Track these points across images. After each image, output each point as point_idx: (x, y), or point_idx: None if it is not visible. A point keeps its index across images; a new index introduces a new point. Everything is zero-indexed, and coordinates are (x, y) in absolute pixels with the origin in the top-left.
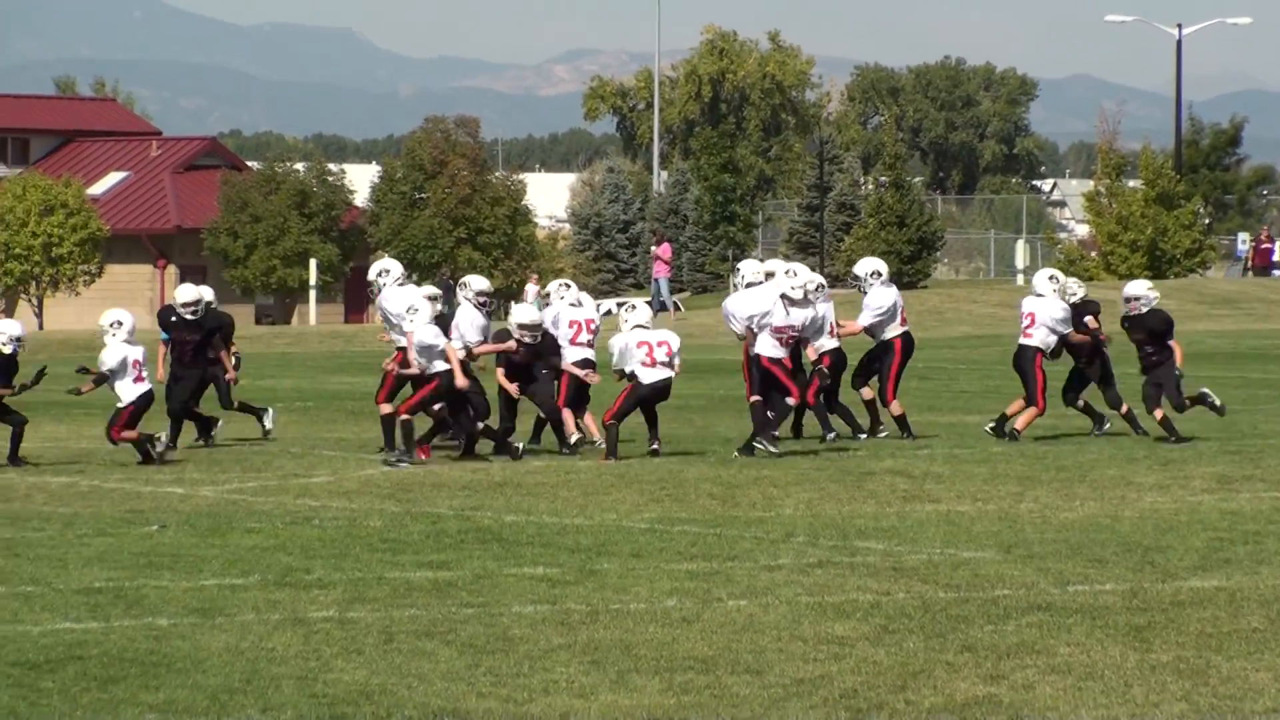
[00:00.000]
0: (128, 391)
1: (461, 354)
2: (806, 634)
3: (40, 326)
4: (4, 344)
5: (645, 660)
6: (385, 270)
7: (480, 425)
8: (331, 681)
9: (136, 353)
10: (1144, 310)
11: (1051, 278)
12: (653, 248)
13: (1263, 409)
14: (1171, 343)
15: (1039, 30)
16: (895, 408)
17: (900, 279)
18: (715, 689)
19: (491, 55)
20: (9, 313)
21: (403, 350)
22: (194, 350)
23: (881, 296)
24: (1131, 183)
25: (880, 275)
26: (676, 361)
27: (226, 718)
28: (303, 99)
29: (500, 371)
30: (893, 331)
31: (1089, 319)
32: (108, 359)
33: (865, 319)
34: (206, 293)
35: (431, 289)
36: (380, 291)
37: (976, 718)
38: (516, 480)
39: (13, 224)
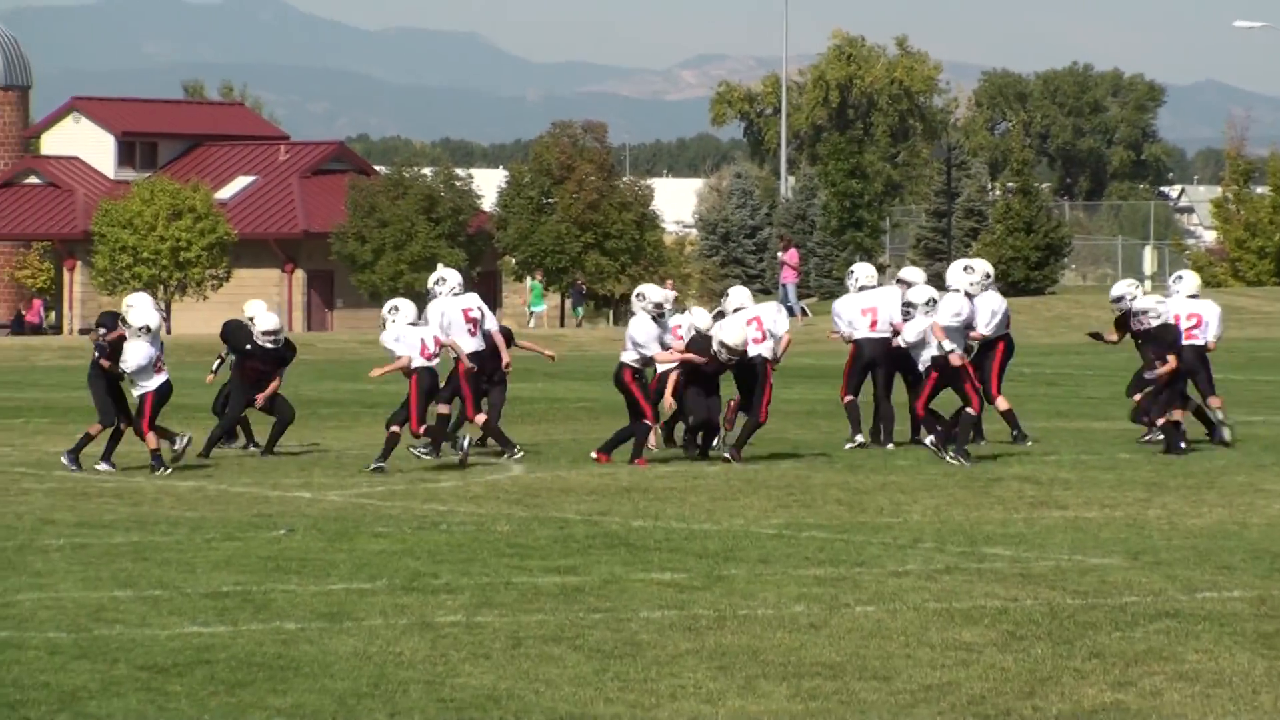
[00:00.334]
0: (150, 383)
1: (637, 364)
2: (934, 640)
3: (168, 330)
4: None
5: (773, 666)
6: (442, 279)
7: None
8: (459, 686)
9: (155, 350)
10: (1153, 324)
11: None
12: (780, 253)
13: None
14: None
15: (1167, 36)
16: (1001, 403)
17: (1028, 285)
18: (843, 695)
19: (619, 60)
20: None
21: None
22: (261, 376)
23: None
24: (1259, 189)
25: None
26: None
27: None
28: (429, 103)
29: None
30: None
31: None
32: (131, 358)
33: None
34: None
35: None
36: (434, 300)
37: None
38: (644, 485)
39: (141, 228)
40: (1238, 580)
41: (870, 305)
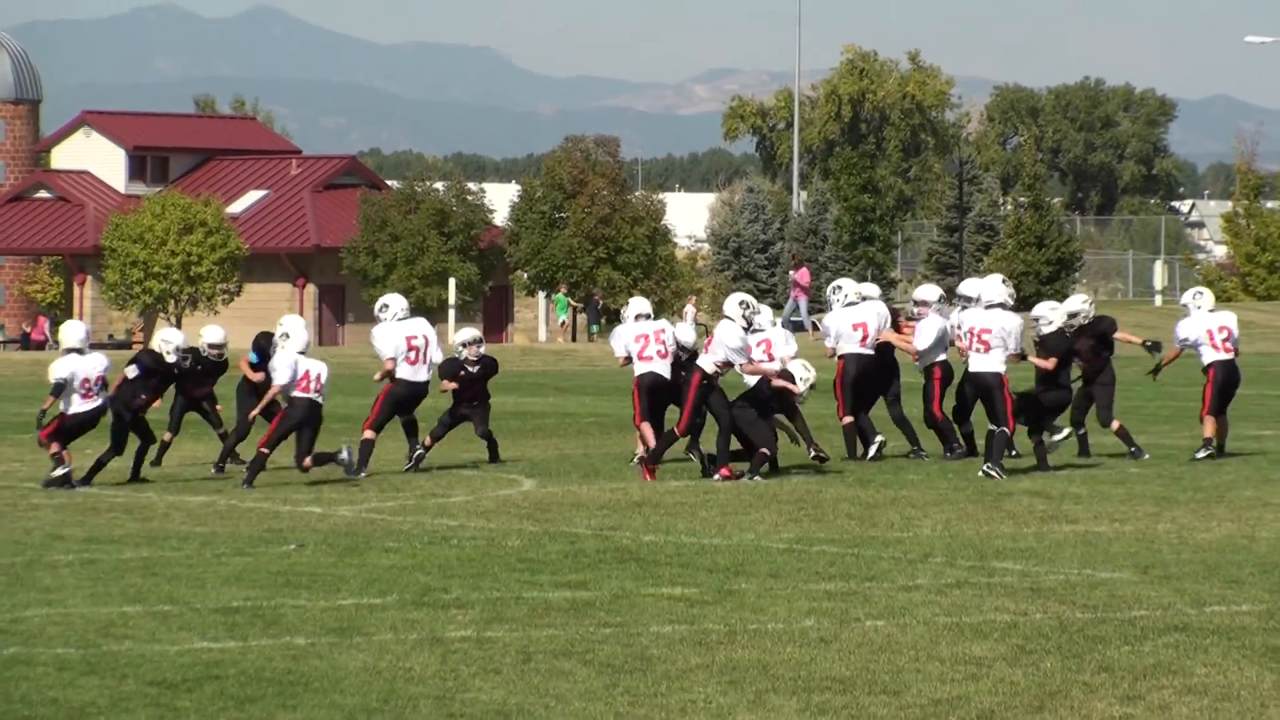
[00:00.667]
0: (75, 406)
1: (716, 370)
2: (944, 654)
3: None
4: (169, 353)
5: (783, 680)
6: (385, 305)
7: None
8: (469, 701)
9: (87, 369)
10: (1045, 331)
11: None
12: (791, 272)
13: None
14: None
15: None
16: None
17: (1039, 299)
18: (853, 709)
19: (632, 74)
20: (147, 331)
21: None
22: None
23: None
24: (1270, 204)
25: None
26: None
27: None
28: (442, 118)
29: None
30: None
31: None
32: (58, 371)
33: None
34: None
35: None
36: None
37: None
38: (655, 500)
39: (152, 242)
40: (1246, 594)
41: (860, 320)
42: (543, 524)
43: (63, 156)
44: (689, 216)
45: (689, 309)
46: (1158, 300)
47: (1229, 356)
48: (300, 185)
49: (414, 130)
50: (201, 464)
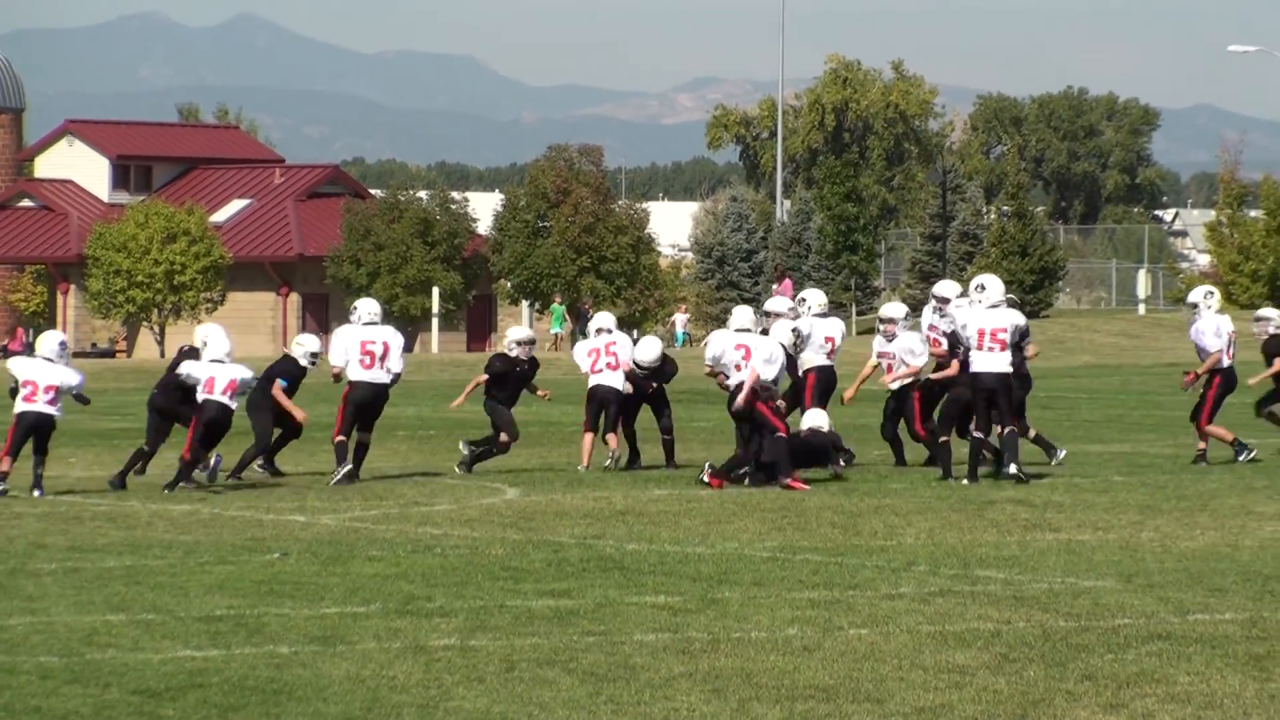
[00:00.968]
0: (19, 406)
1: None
2: (927, 663)
3: (162, 354)
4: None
5: (766, 689)
6: (355, 308)
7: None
8: (453, 710)
9: (29, 372)
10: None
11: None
12: (774, 285)
13: None
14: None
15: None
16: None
17: (1022, 308)
18: (836, 718)
19: (615, 84)
20: (130, 341)
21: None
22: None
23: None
24: (1253, 213)
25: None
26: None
27: None
28: (425, 127)
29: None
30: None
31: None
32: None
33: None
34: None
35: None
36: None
37: None
38: (638, 508)
39: (135, 251)
40: (1230, 603)
41: (831, 333)
42: (526, 532)
43: (46, 165)
44: (672, 226)
45: (679, 316)
46: (1141, 309)
47: (1231, 363)
48: (284, 194)
49: (397, 139)
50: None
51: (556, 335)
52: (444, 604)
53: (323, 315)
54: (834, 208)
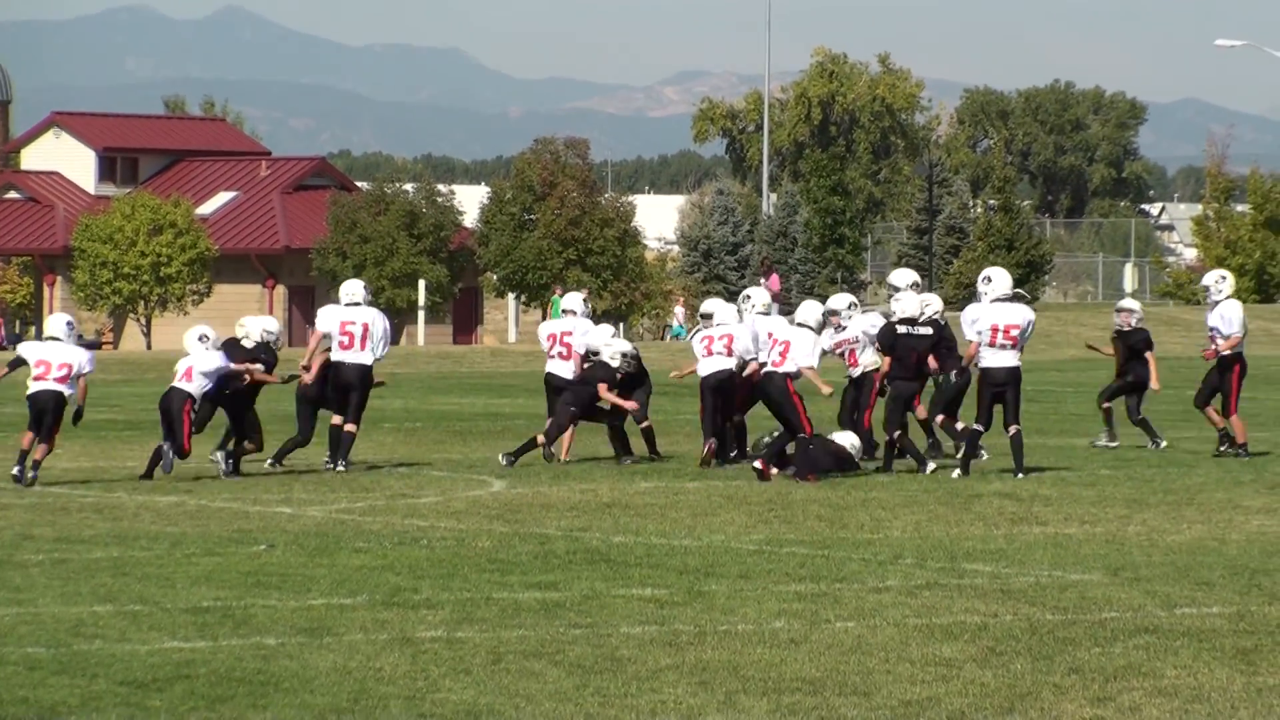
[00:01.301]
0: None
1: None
2: (914, 656)
3: (148, 346)
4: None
5: (753, 681)
6: (340, 288)
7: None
8: (439, 701)
9: (41, 353)
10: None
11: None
12: (761, 279)
13: None
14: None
15: (1148, 54)
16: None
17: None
18: (822, 710)
19: (601, 77)
20: (117, 332)
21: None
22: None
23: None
24: (1240, 207)
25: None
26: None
27: None
28: (411, 119)
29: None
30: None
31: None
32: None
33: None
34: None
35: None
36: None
37: None
38: (625, 501)
39: (121, 243)
40: (1216, 596)
41: (773, 330)
42: (513, 525)
43: (32, 157)
44: (659, 219)
45: (678, 309)
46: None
47: (1241, 349)
48: (270, 186)
49: (384, 132)
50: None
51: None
52: (430, 596)
53: (308, 308)
54: (820, 201)
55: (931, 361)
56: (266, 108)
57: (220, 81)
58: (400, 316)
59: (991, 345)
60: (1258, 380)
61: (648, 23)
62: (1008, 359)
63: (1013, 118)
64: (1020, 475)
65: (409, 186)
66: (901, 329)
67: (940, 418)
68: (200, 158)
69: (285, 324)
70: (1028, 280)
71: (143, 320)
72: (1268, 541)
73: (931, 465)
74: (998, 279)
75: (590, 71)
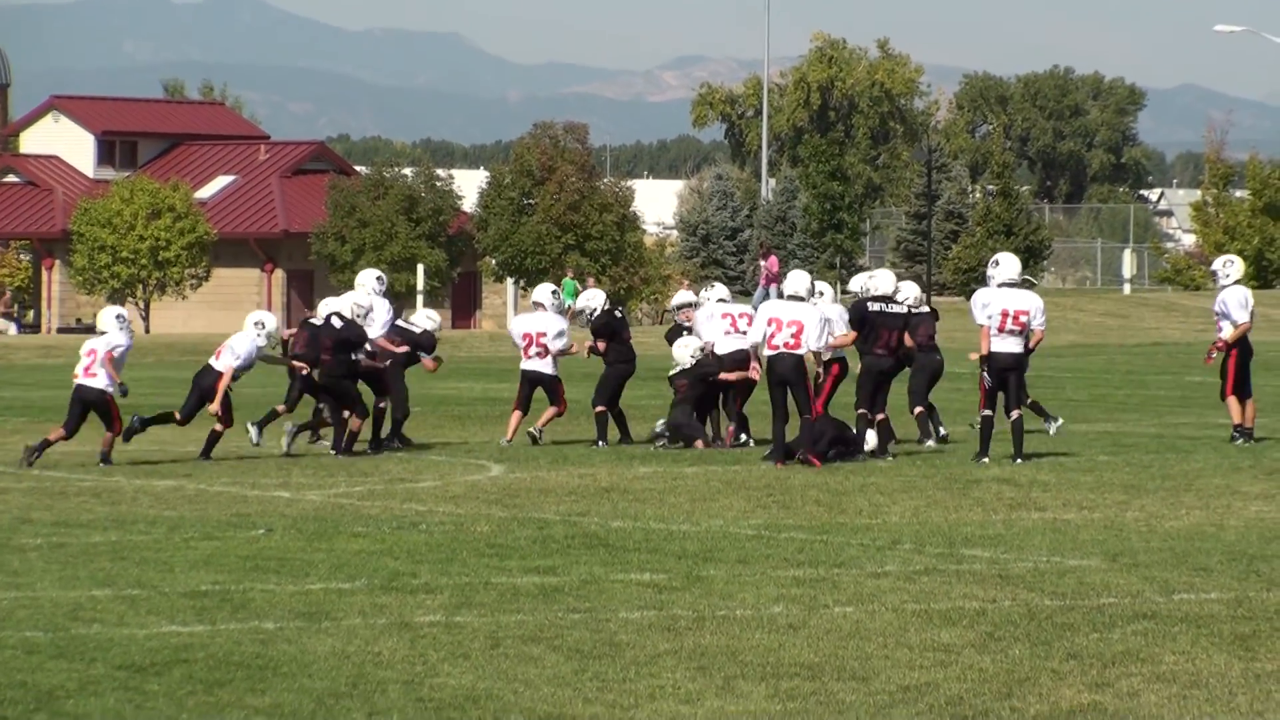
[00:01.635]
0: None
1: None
2: (912, 641)
3: (146, 330)
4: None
5: (751, 666)
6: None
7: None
8: (438, 686)
9: (89, 344)
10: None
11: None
12: (760, 261)
13: None
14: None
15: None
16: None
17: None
18: (821, 695)
19: (601, 61)
20: None
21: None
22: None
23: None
24: (1239, 193)
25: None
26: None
27: None
28: (410, 104)
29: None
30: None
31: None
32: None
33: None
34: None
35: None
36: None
37: None
38: (624, 486)
39: (120, 227)
40: (1215, 582)
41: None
42: (511, 509)
43: (31, 141)
44: (657, 203)
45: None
46: (1126, 288)
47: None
48: (269, 170)
49: (382, 116)
50: (166, 446)
51: (569, 308)
52: (429, 580)
53: (307, 292)
54: (819, 186)
55: (908, 340)
56: (265, 92)
57: (219, 65)
58: (399, 301)
59: (1001, 330)
60: (1255, 366)
61: (647, 7)
62: (1014, 344)
63: (1012, 103)
64: (1019, 461)
65: (408, 171)
66: (874, 306)
67: (918, 410)
68: (199, 141)
69: (284, 308)
70: (1026, 266)
71: (141, 304)
72: (1266, 527)
73: (890, 458)
74: (1006, 263)
75: (589, 56)
